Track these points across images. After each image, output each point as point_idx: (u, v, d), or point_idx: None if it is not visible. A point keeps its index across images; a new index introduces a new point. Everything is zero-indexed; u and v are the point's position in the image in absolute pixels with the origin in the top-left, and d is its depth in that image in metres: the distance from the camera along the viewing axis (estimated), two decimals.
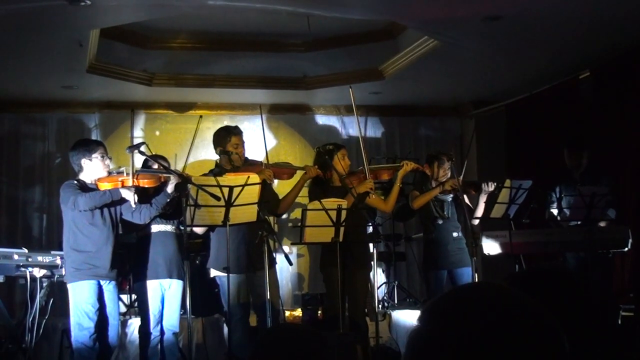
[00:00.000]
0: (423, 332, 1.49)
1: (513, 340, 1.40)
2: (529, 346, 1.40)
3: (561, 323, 1.46)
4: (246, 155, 7.61)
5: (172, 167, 7.48)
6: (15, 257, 7.09)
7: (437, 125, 12.45)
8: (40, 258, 7.27)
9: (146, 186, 6.90)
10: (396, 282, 10.59)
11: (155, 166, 7.21)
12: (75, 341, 6.73)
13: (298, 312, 9.56)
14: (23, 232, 10.93)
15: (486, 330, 1.41)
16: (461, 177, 8.15)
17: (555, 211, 8.55)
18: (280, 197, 7.79)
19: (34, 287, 7.16)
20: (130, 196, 6.73)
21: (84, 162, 6.89)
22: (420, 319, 1.52)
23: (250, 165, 7.49)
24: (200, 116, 8.06)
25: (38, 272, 7.17)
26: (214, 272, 7.38)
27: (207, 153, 11.05)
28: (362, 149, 8.13)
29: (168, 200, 6.99)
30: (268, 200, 7.36)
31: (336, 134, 11.93)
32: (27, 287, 7.11)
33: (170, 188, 6.92)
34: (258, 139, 9.30)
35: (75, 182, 6.86)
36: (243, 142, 7.54)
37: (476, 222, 8.17)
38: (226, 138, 7.47)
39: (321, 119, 12.13)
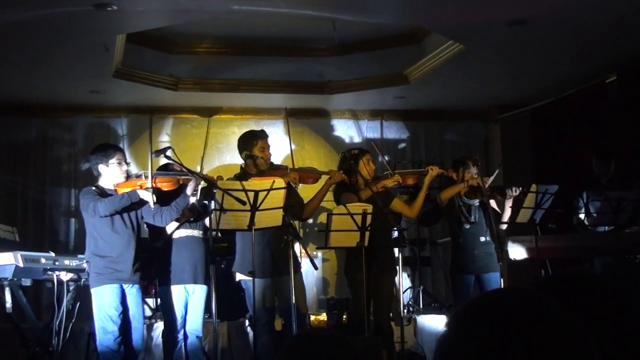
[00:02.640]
0: (451, 338, 1.49)
1: (542, 346, 1.39)
2: (557, 352, 1.40)
3: (589, 329, 1.46)
4: (271, 159, 7.62)
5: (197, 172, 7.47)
6: (43, 260, 7.11)
7: (463, 129, 12.40)
8: (67, 262, 7.30)
9: (165, 189, 6.93)
10: (421, 287, 10.55)
11: (176, 169, 7.24)
12: (100, 345, 6.76)
13: (323, 317, 9.54)
14: (50, 236, 11.00)
15: (515, 336, 1.40)
16: (489, 181, 8.11)
17: (582, 216, 8.50)
18: (305, 201, 7.79)
19: (61, 290, 7.19)
20: (148, 197, 6.73)
21: (101, 167, 6.91)
22: (448, 324, 1.52)
23: (275, 170, 7.50)
24: (210, 118, 8.03)
25: (65, 276, 7.19)
26: (239, 276, 7.39)
27: (232, 157, 11.09)
28: (385, 161, 8.13)
29: (188, 202, 7.00)
30: (293, 205, 7.36)
31: (361, 139, 11.92)
32: (54, 290, 7.13)
33: (189, 190, 6.93)
34: (281, 144, 9.32)
35: (94, 188, 6.89)
36: (269, 146, 7.55)
37: (503, 227, 8.14)
38: (252, 142, 7.47)
39: (346, 124, 12.12)
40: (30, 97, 10.60)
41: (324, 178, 7.72)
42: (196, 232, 7.42)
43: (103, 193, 6.84)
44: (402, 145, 12.28)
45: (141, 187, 6.80)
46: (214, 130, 11.65)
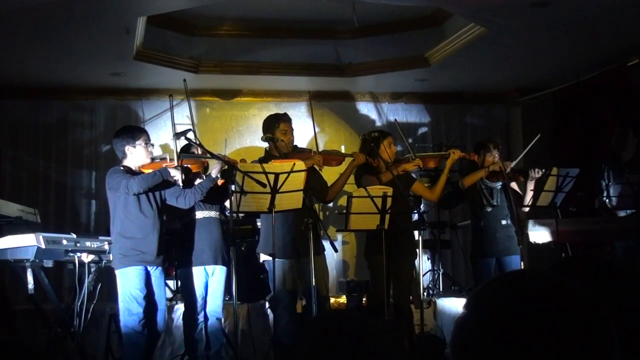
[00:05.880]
0: (470, 319, 1.49)
1: (560, 326, 1.39)
2: (575, 332, 1.40)
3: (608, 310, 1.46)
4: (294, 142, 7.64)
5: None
6: (64, 242, 7.15)
7: (484, 112, 12.36)
8: (88, 243, 7.33)
9: (191, 170, 6.98)
10: (441, 270, 10.56)
11: (198, 151, 7.27)
12: (124, 326, 6.80)
13: (343, 299, 9.57)
14: (71, 217, 11.06)
15: (533, 316, 1.40)
16: (513, 164, 8.09)
17: (605, 198, 8.48)
18: (329, 184, 7.81)
19: (82, 272, 7.21)
20: (178, 175, 6.78)
21: (128, 148, 6.93)
22: (467, 305, 1.52)
23: (299, 153, 7.51)
24: (184, 79, 8.04)
25: (86, 258, 7.23)
26: (263, 257, 7.43)
27: (252, 140, 11.11)
28: (406, 143, 8.10)
29: (212, 185, 7.03)
30: (313, 187, 7.37)
31: (381, 122, 11.90)
32: (76, 272, 7.16)
33: (214, 172, 6.97)
34: (302, 126, 9.31)
35: (122, 168, 6.92)
36: (292, 129, 7.56)
37: (526, 209, 8.13)
38: (275, 125, 7.49)
39: (366, 107, 12.10)
40: (52, 80, 10.64)
41: (348, 160, 7.73)
42: (213, 214, 7.45)
43: (130, 173, 6.87)
44: (423, 128, 12.25)
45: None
46: (234, 112, 11.66)
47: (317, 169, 7.52)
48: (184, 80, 8.14)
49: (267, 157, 7.43)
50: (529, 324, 1.40)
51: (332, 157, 7.77)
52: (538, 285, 1.48)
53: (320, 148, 8.17)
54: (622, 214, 8.38)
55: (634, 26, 8.56)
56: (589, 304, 1.45)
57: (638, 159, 8.42)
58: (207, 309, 7.40)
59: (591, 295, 1.46)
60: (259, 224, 8.41)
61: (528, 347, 1.39)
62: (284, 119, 7.57)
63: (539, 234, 8.25)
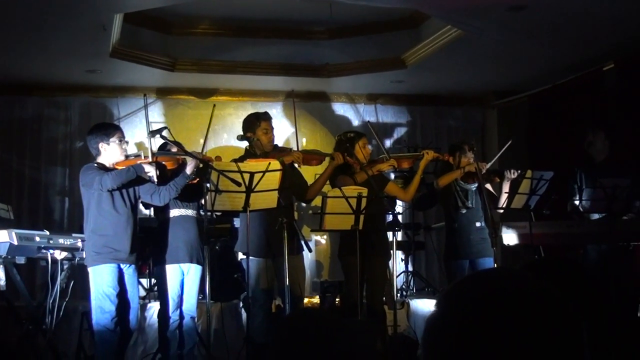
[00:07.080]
0: (440, 317, 1.50)
1: (531, 324, 1.40)
2: (546, 330, 1.41)
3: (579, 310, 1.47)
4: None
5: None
6: (37, 239, 7.10)
7: (459, 115, 12.39)
8: (61, 240, 7.29)
9: (166, 167, 6.96)
10: (415, 271, 10.59)
11: (174, 150, 7.24)
12: (96, 324, 6.77)
13: (316, 299, 9.57)
14: (45, 214, 10.99)
15: (504, 314, 1.41)
16: (488, 165, 8.12)
17: (577, 202, 8.51)
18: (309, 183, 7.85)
19: (55, 269, 7.17)
20: (152, 171, 6.74)
21: (102, 145, 6.90)
22: (438, 304, 1.53)
23: (280, 152, 7.54)
24: (214, 104, 8.03)
25: (59, 255, 7.18)
26: (242, 255, 7.43)
27: (228, 139, 11.09)
28: (379, 142, 8.11)
29: (187, 182, 7.01)
30: (288, 187, 7.38)
31: (357, 122, 11.91)
32: (48, 269, 7.12)
33: (189, 170, 6.94)
34: (277, 126, 9.31)
35: (95, 164, 6.89)
36: (272, 128, 7.59)
37: (500, 211, 8.16)
38: (256, 123, 7.52)
39: (343, 107, 12.10)
40: (27, 76, 10.57)
41: (328, 160, 7.76)
42: (190, 212, 7.43)
43: (104, 170, 6.84)
44: (399, 129, 12.26)
45: None
46: (209, 112, 11.59)
47: (296, 165, 7.54)
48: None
49: (247, 155, 7.43)
50: (500, 322, 1.40)
51: (312, 157, 7.81)
52: (509, 283, 1.48)
53: (295, 148, 8.17)
54: (595, 217, 8.43)
55: (610, 31, 8.61)
56: (559, 302, 1.46)
57: (611, 161, 8.47)
58: (183, 308, 7.39)
59: (560, 293, 1.47)
60: (235, 223, 8.39)
61: (499, 345, 1.40)
62: (265, 117, 7.60)
63: (513, 237, 8.28)
